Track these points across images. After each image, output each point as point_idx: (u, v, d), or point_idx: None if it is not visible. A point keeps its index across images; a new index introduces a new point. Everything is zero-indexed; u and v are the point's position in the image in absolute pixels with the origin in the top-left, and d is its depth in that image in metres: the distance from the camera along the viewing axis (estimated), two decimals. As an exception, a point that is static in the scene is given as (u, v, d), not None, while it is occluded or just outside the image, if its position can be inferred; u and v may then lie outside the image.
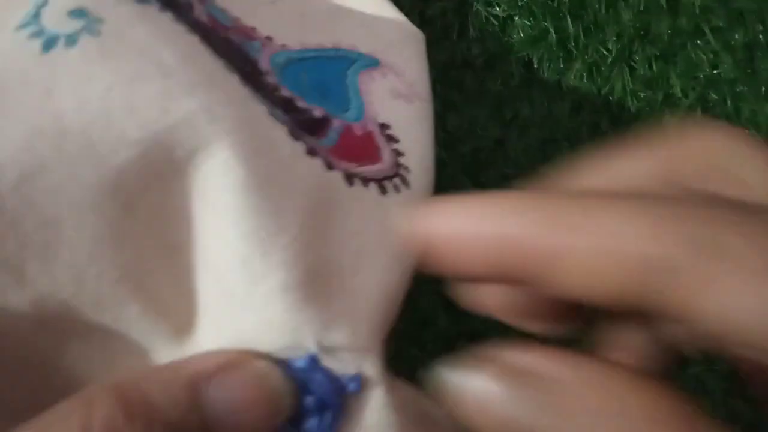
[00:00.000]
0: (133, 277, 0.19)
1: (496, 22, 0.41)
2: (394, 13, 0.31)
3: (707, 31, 0.41)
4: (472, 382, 0.16)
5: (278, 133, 0.21)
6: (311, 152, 0.22)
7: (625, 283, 0.15)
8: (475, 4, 0.41)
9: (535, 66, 0.41)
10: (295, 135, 0.22)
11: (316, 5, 0.29)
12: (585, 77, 0.41)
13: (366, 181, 0.23)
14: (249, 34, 0.26)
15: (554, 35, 0.41)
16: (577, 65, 0.41)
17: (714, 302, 0.14)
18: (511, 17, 0.41)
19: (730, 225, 0.14)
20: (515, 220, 0.16)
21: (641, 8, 0.41)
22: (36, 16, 0.19)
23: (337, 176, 0.22)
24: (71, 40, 0.19)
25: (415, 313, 0.36)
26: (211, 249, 0.19)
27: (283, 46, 0.27)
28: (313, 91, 0.25)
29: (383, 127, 0.26)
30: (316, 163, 0.22)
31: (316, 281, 0.19)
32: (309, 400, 0.18)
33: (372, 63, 0.28)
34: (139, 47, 0.19)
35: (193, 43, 0.20)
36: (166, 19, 0.20)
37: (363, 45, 0.28)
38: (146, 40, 0.19)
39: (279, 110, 0.22)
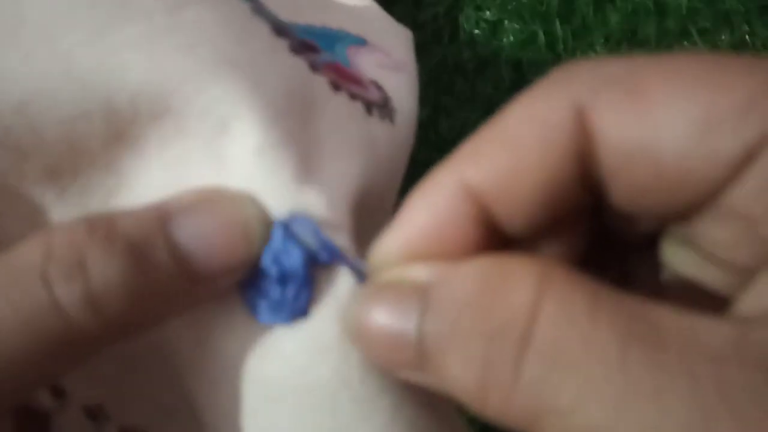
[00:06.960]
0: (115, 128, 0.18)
1: (486, 26, 0.42)
2: (385, 15, 0.32)
3: (694, 32, 0.42)
4: (362, 312, 0.15)
5: (259, 25, 0.20)
6: (295, 50, 0.20)
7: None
8: (465, 8, 0.42)
9: (525, 69, 0.42)
10: (278, 32, 0.20)
11: None
12: (574, 79, 0.42)
13: (353, 96, 0.22)
14: None
15: (543, 38, 0.41)
16: (566, 68, 0.42)
17: None
18: (501, 21, 0.42)
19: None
20: None
21: (629, 11, 0.42)
22: None
23: (321, 80, 0.21)
24: None
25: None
26: (191, 117, 0.18)
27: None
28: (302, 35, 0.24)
29: (371, 81, 0.26)
30: (300, 63, 0.20)
31: (294, 148, 0.18)
32: (273, 271, 0.17)
33: (359, 41, 0.29)
34: None
35: None
36: None
37: (352, 29, 0.29)
38: None
39: (265, 15, 0.21)
